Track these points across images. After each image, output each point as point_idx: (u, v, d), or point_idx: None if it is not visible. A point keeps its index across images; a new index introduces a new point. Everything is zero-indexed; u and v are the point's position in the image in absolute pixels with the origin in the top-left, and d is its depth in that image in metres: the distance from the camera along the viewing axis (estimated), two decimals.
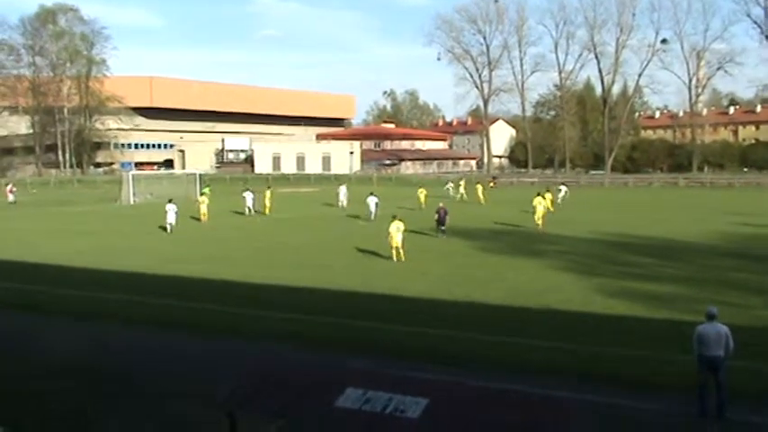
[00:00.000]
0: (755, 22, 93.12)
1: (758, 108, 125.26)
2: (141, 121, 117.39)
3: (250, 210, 44.75)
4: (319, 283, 21.70)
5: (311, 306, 18.80)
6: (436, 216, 32.84)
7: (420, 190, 50.97)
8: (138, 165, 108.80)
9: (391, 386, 6.70)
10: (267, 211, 45.62)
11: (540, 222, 35.81)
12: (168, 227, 35.95)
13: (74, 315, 18.12)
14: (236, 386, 7.35)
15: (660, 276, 22.34)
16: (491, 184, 74.29)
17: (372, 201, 41.22)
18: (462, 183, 58.71)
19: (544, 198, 38.27)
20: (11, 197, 57.96)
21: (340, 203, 49.63)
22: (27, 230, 38.26)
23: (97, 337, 16.14)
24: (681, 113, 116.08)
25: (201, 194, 43.76)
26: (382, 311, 18.17)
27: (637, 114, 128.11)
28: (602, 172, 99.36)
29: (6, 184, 63.59)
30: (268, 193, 46.85)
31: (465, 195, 55.74)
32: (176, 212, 36.59)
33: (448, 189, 60.28)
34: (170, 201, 37.22)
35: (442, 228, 32.44)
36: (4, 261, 26.93)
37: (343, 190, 50.86)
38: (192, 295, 20.32)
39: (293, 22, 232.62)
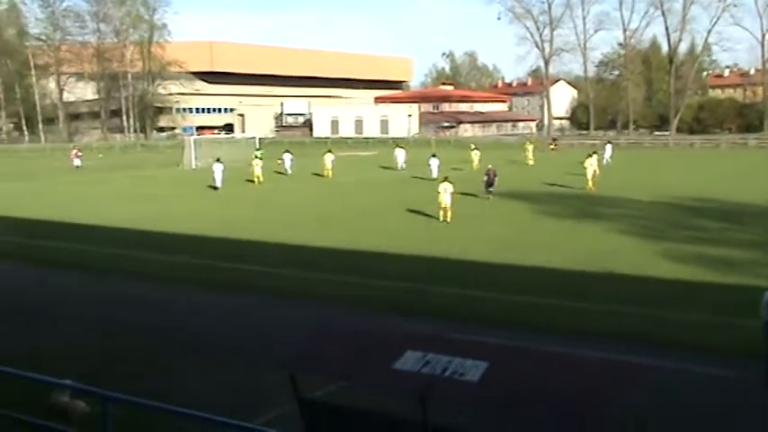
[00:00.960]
0: None
1: None
2: (202, 85, 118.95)
3: (286, 171, 47.08)
4: (379, 247, 21.70)
5: (371, 270, 18.84)
6: (485, 177, 32.85)
7: (474, 152, 49.92)
8: (200, 129, 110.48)
9: (451, 349, 6.66)
10: (329, 174, 45.92)
11: (591, 184, 35.51)
12: (218, 183, 38.44)
13: (142, 277, 18.63)
14: (299, 347, 7.43)
15: (728, 241, 21.68)
16: (551, 147, 72.80)
17: (434, 162, 42.08)
18: (530, 147, 55.93)
19: (592, 158, 37.36)
20: (77, 161, 59.40)
21: (399, 166, 49.59)
22: (94, 195, 39.28)
23: (167, 299, 16.57)
24: (752, 72, 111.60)
25: (255, 158, 44.27)
26: (442, 275, 18.13)
27: (705, 73, 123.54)
28: (666, 133, 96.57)
29: (73, 149, 65.27)
30: (329, 156, 47.16)
31: (531, 160, 53.99)
32: (223, 171, 39.14)
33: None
34: (218, 160, 40.09)
35: (490, 189, 32.40)
36: (76, 224, 27.73)
37: (401, 153, 50.76)
38: (255, 258, 20.62)
39: None
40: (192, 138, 65.65)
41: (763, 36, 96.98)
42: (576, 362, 6.90)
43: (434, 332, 10.00)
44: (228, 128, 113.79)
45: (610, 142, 56.83)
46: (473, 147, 51.82)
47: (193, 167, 57.10)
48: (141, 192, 39.82)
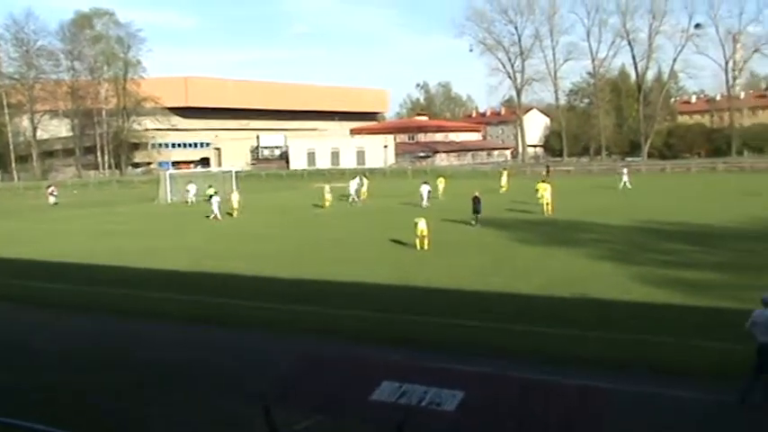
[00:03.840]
0: None
1: None
2: (177, 120, 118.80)
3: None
4: (355, 276, 21.86)
5: (348, 300, 18.98)
6: (472, 204, 34.00)
7: (439, 179, 52.34)
8: (176, 164, 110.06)
9: (427, 379, 6.80)
10: (326, 204, 46.74)
11: (548, 209, 36.98)
12: (218, 214, 40.94)
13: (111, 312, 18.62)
14: (274, 380, 7.53)
15: (699, 263, 22.11)
16: (544, 174, 74.02)
17: (425, 189, 44.33)
18: (505, 174, 57.42)
19: (545, 184, 38.99)
20: (52, 199, 59.14)
21: (350, 198, 49.96)
22: (69, 231, 39.06)
23: (138, 332, 16.58)
24: (718, 97, 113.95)
25: (210, 196, 45.88)
26: (419, 303, 18.31)
27: (672, 100, 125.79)
28: (638, 158, 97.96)
29: (48, 187, 64.91)
30: (327, 186, 48.70)
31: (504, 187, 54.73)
32: (219, 203, 41.65)
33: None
34: (216, 193, 43.56)
35: (477, 215, 33.65)
36: (50, 262, 27.60)
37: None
38: (229, 292, 20.68)
39: (325, 18, 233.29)
40: (168, 172, 65.55)
41: (727, 63, 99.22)
42: (553, 389, 7.04)
43: (410, 361, 10.14)
44: (205, 162, 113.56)
45: (626, 167, 58.19)
46: (438, 176, 54.27)
47: (169, 201, 57.02)
48: (116, 228, 39.65)
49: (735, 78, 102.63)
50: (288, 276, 22.66)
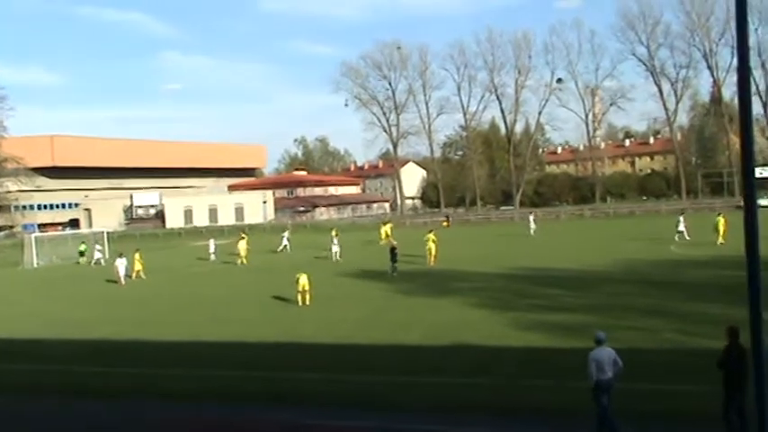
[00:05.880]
0: (640, 60, 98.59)
1: (651, 140, 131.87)
2: (43, 181, 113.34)
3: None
4: (236, 336, 21.37)
5: (221, 361, 18.50)
6: (390, 254, 34.67)
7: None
8: (42, 226, 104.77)
9: None
10: (244, 261, 45.35)
11: (432, 260, 37.87)
12: (123, 279, 37.90)
13: None
14: None
15: (570, 307, 23.01)
16: (444, 224, 75.95)
17: (335, 242, 44.04)
18: (384, 227, 57.62)
19: (431, 234, 39.81)
20: None
21: (209, 255, 49.60)
22: None
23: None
24: (581, 148, 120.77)
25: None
26: (299, 360, 18.06)
27: (540, 150, 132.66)
28: (511, 207, 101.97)
29: None
30: (242, 242, 46.86)
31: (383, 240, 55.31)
32: (126, 266, 38.70)
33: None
34: (120, 255, 39.61)
35: (395, 265, 34.21)
36: None
37: (212, 243, 51.46)
38: (92, 359, 19.66)
39: (198, 75, 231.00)
40: (33, 235, 62.17)
41: (587, 116, 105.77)
42: None
43: (293, 419, 9.95)
44: (74, 223, 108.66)
45: (532, 214, 60.32)
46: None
47: (35, 266, 54.08)
48: None
49: (595, 130, 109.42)
50: (161, 339, 21.82)
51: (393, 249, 34.90)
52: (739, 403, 10.34)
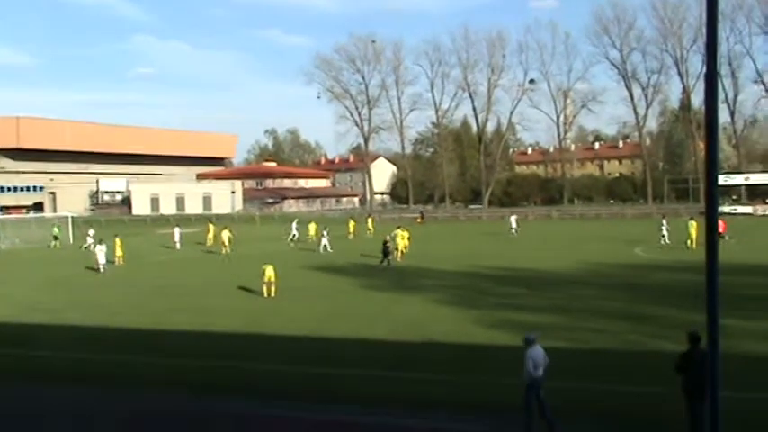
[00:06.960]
0: (613, 64, 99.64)
1: (620, 144, 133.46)
2: (7, 162, 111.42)
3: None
4: (202, 326, 21.22)
5: (181, 349, 18.41)
6: (383, 247, 35.48)
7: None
8: (5, 209, 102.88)
9: (267, 428, 6.69)
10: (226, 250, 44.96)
11: (400, 256, 38.45)
12: (101, 267, 36.50)
13: None
14: None
15: (535, 307, 23.18)
16: (418, 221, 76.40)
17: (324, 236, 44.63)
18: (351, 223, 58.05)
19: (402, 231, 41.12)
20: None
21: (174, 244, 49.61)
22: None
23: None
24: (551, 149, 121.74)
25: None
26: (261, 351, 18.02)
27: (511, 150, 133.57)
28: (480, 206, 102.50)
29: None
30: (226, 232, 46.29)
31: (351, 234, 55.77)
32: (105, 252, 37.47)
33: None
34: (100, 241, 39.04)
35: (389, 258, 35.31)
36: None
37: (177, 231, 51.37)
38: (52, 344, 19.41)
39: (171, 60, 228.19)
40: None
41: (558, 117, 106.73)
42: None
43: (249, 410, 9.89)
44: (38, 207, 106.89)
45: (513, 215, 60.51)
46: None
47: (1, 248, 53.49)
48: None
49: (566, 132, 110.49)
50: (124, 326, 21.61)
51: (385, 243, 35.69)
52: (699, 410, 10.33)
